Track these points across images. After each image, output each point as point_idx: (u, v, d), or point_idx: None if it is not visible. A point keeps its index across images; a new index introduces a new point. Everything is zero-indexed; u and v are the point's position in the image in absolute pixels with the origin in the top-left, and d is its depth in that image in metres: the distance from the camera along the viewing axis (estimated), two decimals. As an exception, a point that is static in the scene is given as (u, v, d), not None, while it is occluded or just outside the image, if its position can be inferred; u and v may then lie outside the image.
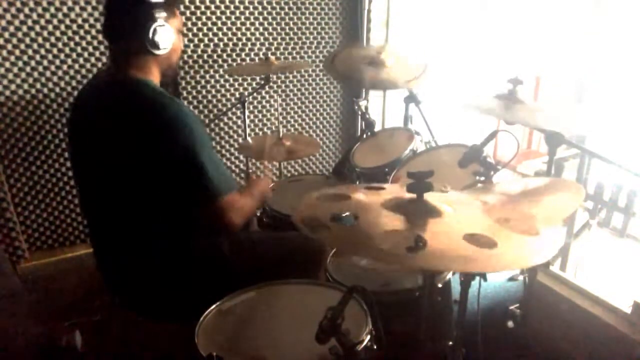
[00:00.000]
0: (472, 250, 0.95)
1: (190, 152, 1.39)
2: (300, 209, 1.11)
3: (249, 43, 2.68)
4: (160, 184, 1.42)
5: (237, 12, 2.59)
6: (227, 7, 2.56)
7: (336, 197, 1.18)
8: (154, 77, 1.52)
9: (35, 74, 2.26)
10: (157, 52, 1.45)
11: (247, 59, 2.70)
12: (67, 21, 2.25)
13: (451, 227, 1.04)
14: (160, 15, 1.43)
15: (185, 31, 2.51)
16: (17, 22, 2.16)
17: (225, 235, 1.59)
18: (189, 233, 1.51)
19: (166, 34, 1.46)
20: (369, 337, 1.14)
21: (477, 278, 1.27)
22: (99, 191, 1.53)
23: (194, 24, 2.51)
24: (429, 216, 1.05)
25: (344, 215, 1.04)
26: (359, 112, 2.35)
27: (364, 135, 2.39)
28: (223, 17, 2.57)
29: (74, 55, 2.31)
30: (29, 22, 2.18)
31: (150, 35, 1.42)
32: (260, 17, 2.65)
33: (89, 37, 2.30)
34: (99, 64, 2.36)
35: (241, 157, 2.85)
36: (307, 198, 1.19)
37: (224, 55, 2.64)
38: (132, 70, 1.47)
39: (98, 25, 2.30)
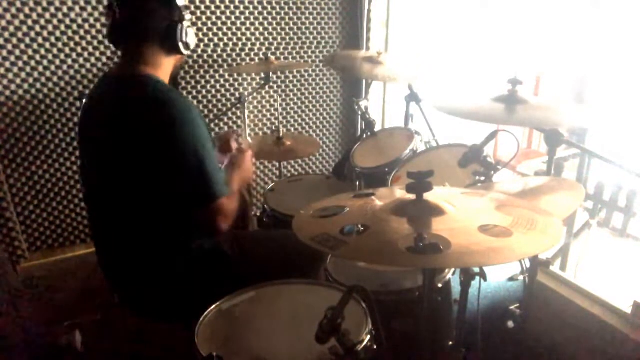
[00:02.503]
0: (492, 242, 0.95)
1: (191, 151, 1.38)
2: (304, 229, 1.10)
3: (249, 43, 2.68)
4: (160, 182, 1.42)
5: (237, 12, 2.59)
6: (227, 7, 2.56)
7: (332, 210, 1.17)
8: (165, 75, 1.52)
9: (35, 74, 2.26)
10: (186, 52, 1.50)
11: (247, 59, 2.70)
12: (67, 21, 2.25)
13: (462, 222, 1.03)
14: (187, 16, 1.47)
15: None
16: (17, 22, 2.16)
17: (225, 235, 1.59)
18: (190, 232, 1.51)
19: (193, 35, 1.51)
20: (369, 337, 1.14)
21: (477, 278, 1.27)
22: (101, 187, 1.53)
23: (193, 24, 2.51)
24: (433, 215, 1.05)
25: (347, 226, 1.04)
26: (359, 112, 2.35)
27: (364, 135, 2.39)
28: (223, 17, 2.57)
29: (74, 55, 2.31)
30: (29, 22, 2.18)
31: (184, 37, 1.46)
32: (260, 17, 2.65)
33: (89, 37, 2.30)
34: (99, 64, 2.36)
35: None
36: (300, 216, 1.18)
37: (224, 55, 2.64)
38: (142, 66, 1.47)
39: (98, 25, 2.30)
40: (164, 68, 1.51)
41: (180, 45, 1.47)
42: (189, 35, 1.49)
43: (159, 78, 1.48)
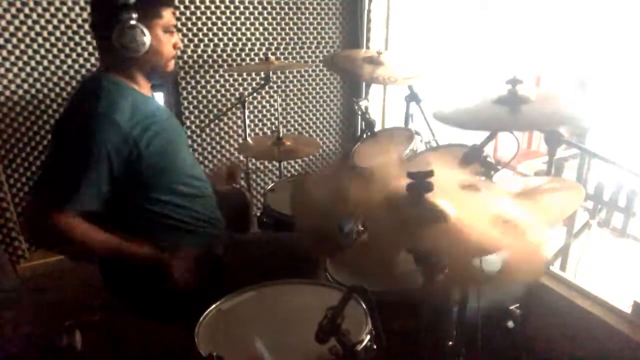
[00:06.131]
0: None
1: (59, 149, 1.38)
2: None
3: (249, 43, 2.68)
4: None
5: (237, 12, 2.59)
6: (227, 7, 2.56)
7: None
8: (133, 78, 1.48)
9: (35, 74, 2.26)
10: (128, 54, 1.40)
11: (247, 59, 2.70)
12: (67, 21, 2.25)
13: (462, 222, 1.03)
14: (128, 16, 1.36)
15: (185, 31, 2.51)
16: (17, 22, 2.16)
17: (221, 238, 1.58)
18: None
19: (135, 36, 1.38)
20: (369, 337, 1.14)
21: (477, 278, 1.27)
22: None
23: (194, 24, 2.51)
24: (433, 215, 1.05)
25: (344, 223, 1.04)
26: (359, 112, 2.35)
27: (364, 135, 2.39)
28: (223, 17, 2.57)
29: (74, 55, 2.31)
30: (29, 22, 2.18)
31: (115, 36, 1.37)
32: (260, 17, 2.65)
33: (89, 37, 2.30)
34: (99, 64, 2.36)
35: (241, 157, 2.85)
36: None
37: (224, 55, 2.64)
38: (109, 69, 1.46)
39: (98, 25, 2.30)
40: (130, 71, 1.47)
41: (116, 46, 1.38)
42: (125, 36, 1.37)
43: (124, 82, 1.46)
